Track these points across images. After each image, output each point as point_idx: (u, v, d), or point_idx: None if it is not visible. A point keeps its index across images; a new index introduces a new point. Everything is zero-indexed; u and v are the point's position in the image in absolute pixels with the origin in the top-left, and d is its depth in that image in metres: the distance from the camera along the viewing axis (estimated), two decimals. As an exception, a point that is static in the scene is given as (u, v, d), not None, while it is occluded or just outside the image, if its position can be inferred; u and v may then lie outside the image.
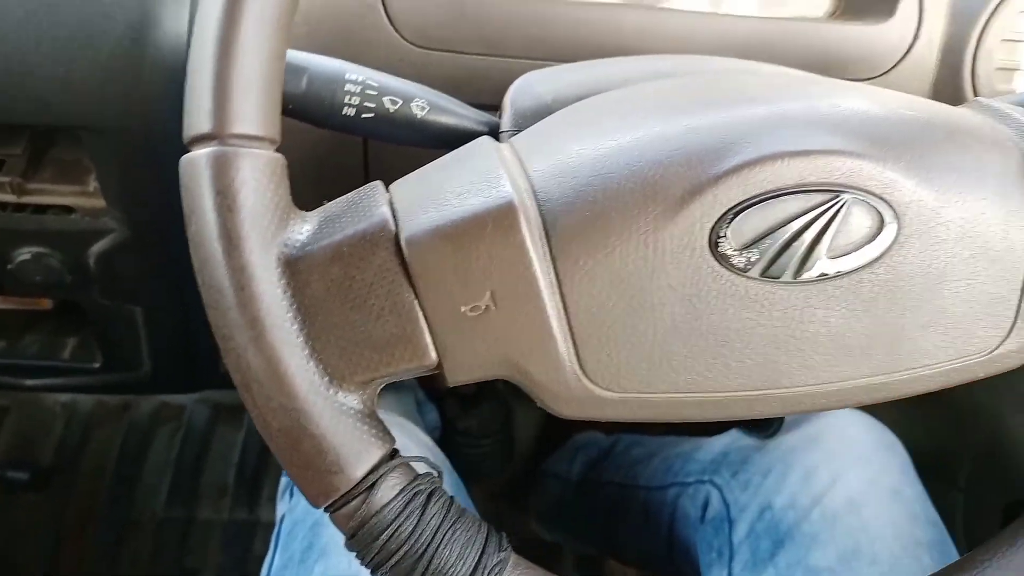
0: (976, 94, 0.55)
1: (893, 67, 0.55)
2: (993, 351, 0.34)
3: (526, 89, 0.42)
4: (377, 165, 0.58)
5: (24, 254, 0.57)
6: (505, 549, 0.31)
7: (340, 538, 0.52)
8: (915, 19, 0.55)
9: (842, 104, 0.33)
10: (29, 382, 0.73)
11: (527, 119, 0.41)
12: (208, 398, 1.36)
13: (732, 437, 0.70)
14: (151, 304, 0.63)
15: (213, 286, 0.30)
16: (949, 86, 0.56)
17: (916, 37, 0.55)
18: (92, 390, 0.74)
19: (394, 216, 0.31)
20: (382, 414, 0.33)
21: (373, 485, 0.30)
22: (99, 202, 0.57)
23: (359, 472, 0.30)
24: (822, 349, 0.32)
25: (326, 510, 0.31)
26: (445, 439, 1.09)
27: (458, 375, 0.31)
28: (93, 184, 0.57)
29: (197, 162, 0.30)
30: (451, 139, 0.43)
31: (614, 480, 0.99)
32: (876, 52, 0.55)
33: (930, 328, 0.33)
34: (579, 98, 0.40)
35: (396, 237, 0.30)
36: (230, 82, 0.29)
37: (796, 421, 0.64)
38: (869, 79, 0.55)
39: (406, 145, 0.49)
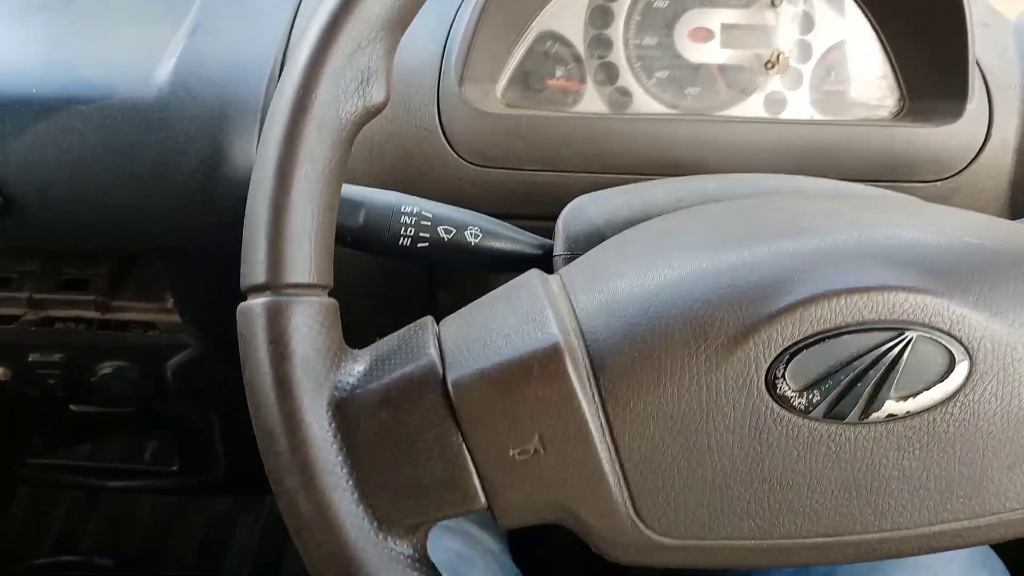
0: (1059, 192, 0.53)
1: (965, 168, 0.53)
2: None
3: (577, 214, 0.42)
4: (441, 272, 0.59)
5: (106, 368, 0.60)
6: None
7: None
8: (985, 119, 0.53)
9: (900, 234, 0.32)
10: (111, 484, 0.76)
11: (579, 244, 0.41)
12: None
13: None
14: (227, 412, 0.65)
15: (266, 431, 0.30)
16: (1028, 185, 0.53)
17: (988, 137, 0.53)
18: (170, 492, 0.76)
19: (441, 358, 0.31)
20: None
21: None
22: (177, 318, 0.60)
23: None
24: (896, 494, 0.30)
25: None
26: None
27: (508, 519, 0.31)
28: (171, 301, 0.60)
29: (252, 311, 0.31)
30: (505, 263, 0.44)
31: None
32: (945, 154, 0.53)
33: (1016, 468, 0.30)
34: (629, 222, 0.40)
35: (443, 380, 0.30)
36: (282, 236, 0.30)
37: None
38: (940, 180, 0.54)
39: (462, 270, 0.50)
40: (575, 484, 0.30)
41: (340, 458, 0.30)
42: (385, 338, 0.34)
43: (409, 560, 0.30)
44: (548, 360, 0.30)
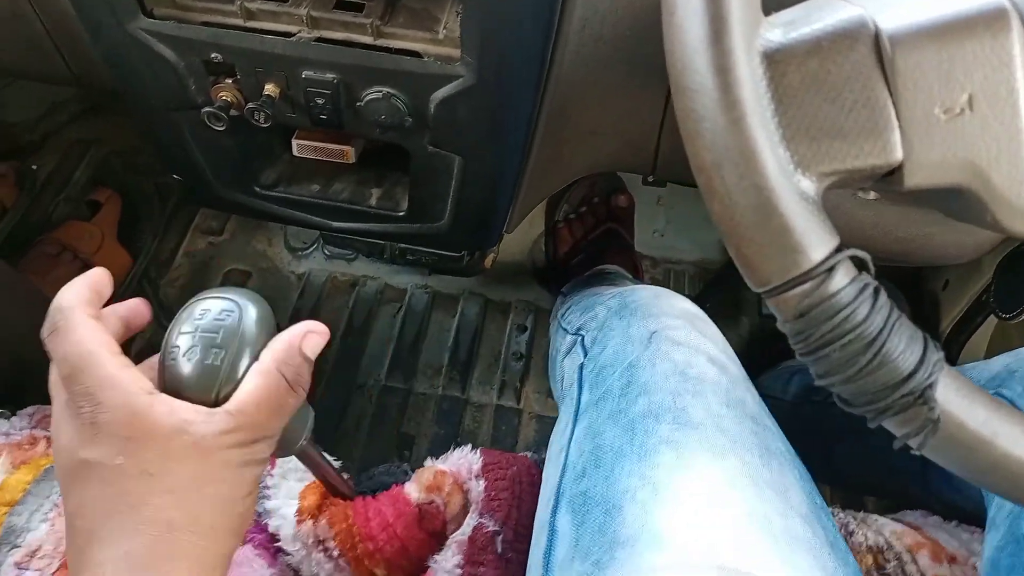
0: None
1: None
2: None
3: None
4: None
5: (375, 92, 0.63)
6: (940, 349, 0.33)
7: (661, 375, 0.55)
8: None
9: None
10: (336, 224, 0.81)
11: None
12: (427, 285, 1.45)
13: (1013, 357, 0.67)
14: (471, 154, 0.68)
15: (695, 70, 0.32)
16: None
17: None
18: (391, 237, 0.80)
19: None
20: None
21: (831, 269, 0.32)
22: (445, 50, 0.61)
23: (819, 255, 0.32)
24: None
25: (775, 290, 0.33)
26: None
27: (917, 176, 0.32)
28: (442, 32, 0.61)
29: None
30: None
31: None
32: None
33: None
34: None
35: (876, 35, 0.31)
36: None
37: None
38: None
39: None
40: (993, 147, 0.31)
41: (768, 100, 0.32)
42: (790, 8, 0.35)
43: (815, 204, 0.33)
44: (994, 20, 0.30)
